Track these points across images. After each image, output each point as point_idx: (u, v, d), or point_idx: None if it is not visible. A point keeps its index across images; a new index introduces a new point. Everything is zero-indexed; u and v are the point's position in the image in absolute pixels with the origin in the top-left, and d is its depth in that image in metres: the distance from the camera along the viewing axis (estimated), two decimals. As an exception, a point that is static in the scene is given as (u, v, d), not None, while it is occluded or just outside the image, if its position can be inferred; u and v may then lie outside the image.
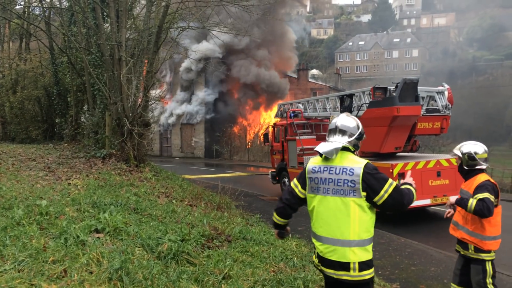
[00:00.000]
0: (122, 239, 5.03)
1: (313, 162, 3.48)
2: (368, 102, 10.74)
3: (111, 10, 12.23)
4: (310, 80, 44.69)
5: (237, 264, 4.90)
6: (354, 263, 3.21)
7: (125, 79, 11.41)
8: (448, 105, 10.89)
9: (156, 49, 12.23)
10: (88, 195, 7.20)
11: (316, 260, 3.47)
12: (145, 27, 12.48)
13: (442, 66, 76.53)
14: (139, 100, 12.18)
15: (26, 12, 23.64)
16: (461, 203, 4.42)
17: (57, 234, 4.85)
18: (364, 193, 3.21)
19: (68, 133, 20.37)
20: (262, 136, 23.51)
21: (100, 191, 7.87)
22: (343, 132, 3.40)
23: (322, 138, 14.14)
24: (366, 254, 3.24)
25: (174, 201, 8.49)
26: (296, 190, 3.58)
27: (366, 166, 3.24)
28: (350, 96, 11.70)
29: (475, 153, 4.67)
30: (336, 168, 3.31)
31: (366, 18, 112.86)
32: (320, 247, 3.37)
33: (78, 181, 8.82)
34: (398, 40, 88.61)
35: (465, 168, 4.73)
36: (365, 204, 3.24)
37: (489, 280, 4.55)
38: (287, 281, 4.63)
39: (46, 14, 22.64)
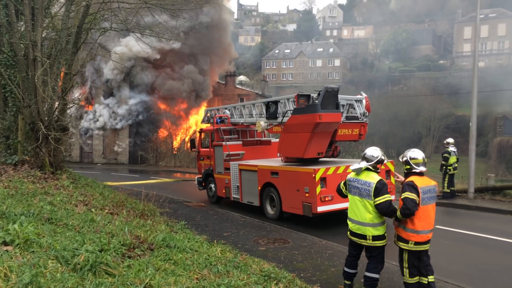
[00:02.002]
0: (33, 251, 4.69)
1: (350, 175, 5.80)
2: (292, 109, 11.03)
3: (25, 7, 11.45)
4: (237, 86, 45.03)
5: (159, 273, 4.76)
6: (369, 236, 5.51)
7: (40, 81, 10.73)
8: (366, 112, 11.50)
9: (75, 50, 11.62)
10: (-4, 205, 6.64)
11: (348, 233, 5.80)
12: (63, 26, 11.84)
13: (361, 76, 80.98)
14: (56, 103, 11.50)
15: None
16: (396, 218, 5.44)
17: (-43, 248, 4.41)
18: (373, 197, 5.44)
19: (-25, 138, 18.69)
20: (189, 142, 23.27)
21: (10, 200, 7.29)
22: (366, 159, 5.69)
23: (249, 144, 14.34)
24: (377, 231, 5.51)
25: (93, 209, 8.09)
26: (343, 190, 5.97)
27: (378, 181, 5.46)
28: (276, 102, 11.95)
29: (410, 158, 5.50)
30: (360, 181, 5.60)
31: (291, 27, 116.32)
32: (351, 225, 5.70)
33: (-15, 190, 8.10)
34: (321, 49, 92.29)
35: (405, 171, 5.59)
36: (373, 202, 5.45)
37: (405, 264, 5.44)
38: (210, 288, 4.60)
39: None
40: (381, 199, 5.40)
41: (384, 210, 5.40)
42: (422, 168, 5.47)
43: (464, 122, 37.15)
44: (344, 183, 5.96)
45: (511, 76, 60.79)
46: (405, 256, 5.46)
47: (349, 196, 5.80)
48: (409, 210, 5.20)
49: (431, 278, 5.47)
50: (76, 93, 17.69)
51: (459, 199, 14.60)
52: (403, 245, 5.43)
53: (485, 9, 75.38)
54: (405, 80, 71.43)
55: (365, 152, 5.81)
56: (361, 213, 5.55)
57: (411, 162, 5.49)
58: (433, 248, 6.54)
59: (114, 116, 35.74)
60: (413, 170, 5.49)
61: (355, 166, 5.71)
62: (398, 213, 5.31)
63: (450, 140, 14.99)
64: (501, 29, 79.39)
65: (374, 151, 5.74)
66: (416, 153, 5.55)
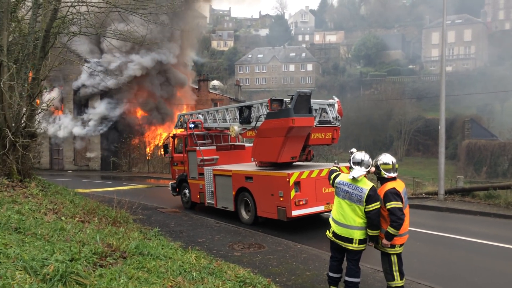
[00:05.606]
0: (0, 262, 4.53)
1: (340, 178, 5.69)
2: (265, 113, 11.05)
3: (-11, 10, 11.09)
4: (210, 91, 44.88)
5: (132, 282, 4.67)
6: (356, 239, 5.45)
7: (6, 86, 10.40)
8: (338, 116, 11.62)
9: (43, 54, 11.32)
10: (-40, 216, 6.39)
11: (330, 234, 5.71)
12: (30, 30, 11.53)
13: (333, 80, 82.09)
14: (24, 109, 11.17)
15: None
16: (389, 236, 5.35)
17: None
18: (364, 203, 5.36)
19: None
20: (162, 147, 22.99)
21: (-25, 210, 7.03)
22: (366, 165, 5.53)
23: (223, 149, 14.29)
24: (363, 235, 5.47)
25: (63, 217, 7.88)
26: (330, 182, 5.91)
27: (371, 188, 5.37)
28: (249, 107, 11.96)
29: (381, 164, 5.53)
30: (353, 186, 5.47)
31: (264, 32, 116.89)
32: (337, 228, 5.56)
33: None
34: (294, 54, 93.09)
35: (377, 176, 5.63)
36: (364, 208, 5.38)
37: (395, 268, 5.49)
38: (185, 295, 4.53)
39: None
40: (373, 206, 5.32)
41: (373, 217, 5.34)
42: (391, 174, 5.51)
43: (434, 125, 38.11)
44: (334, 178, 5.81)
45: (477, 80, 62.89)
46: (394, 259, 5.48)
47: (336, 198, 5.66)
48: (401, 219, 5.22)
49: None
50: (45, 98, 17.21)
51: (430, 200, 14.93)
52: (391, 250, 5.46)
53: (452, 15, 77.76)
54: (376, 84, 72.81)
55: (361, 158, 5.57)
56: (350, 217, 5.45)
57: (381, 168, 5.52)
58: (405, 249, 6.68)
59: (86, 122, 35.00)
60: (382, 176, 5.54)
61: (357, 173, 5.47)
62: (390, 229, 5.26)
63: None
64: (467, 35, 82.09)
65: (367, 156, 5.60)
66: (385, 159, 5.56)
